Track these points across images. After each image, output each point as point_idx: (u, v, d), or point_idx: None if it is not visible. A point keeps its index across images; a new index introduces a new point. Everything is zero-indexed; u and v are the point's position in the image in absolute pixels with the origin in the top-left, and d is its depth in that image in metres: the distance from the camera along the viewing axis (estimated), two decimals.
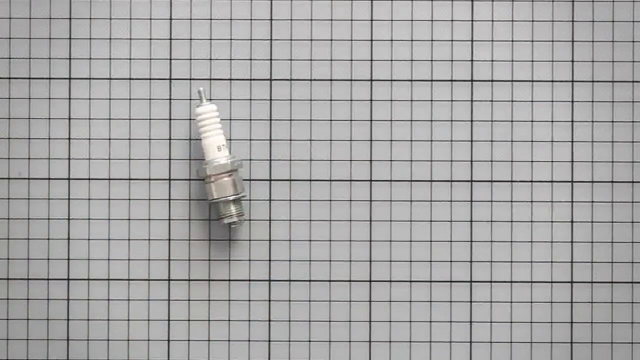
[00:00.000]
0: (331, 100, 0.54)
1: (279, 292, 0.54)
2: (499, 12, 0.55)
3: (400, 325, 0.54)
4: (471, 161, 0.54)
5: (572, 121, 0.54)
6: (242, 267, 0.54)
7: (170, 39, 0.54)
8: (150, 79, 0.54)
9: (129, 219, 0.54)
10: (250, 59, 0.54)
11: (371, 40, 0.54)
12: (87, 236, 0.54)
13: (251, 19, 0.55)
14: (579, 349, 0.54)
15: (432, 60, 0.54)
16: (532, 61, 0.54)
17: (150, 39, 0.54)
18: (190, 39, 0.54)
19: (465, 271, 0.54)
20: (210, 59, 0.54)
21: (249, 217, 0.54)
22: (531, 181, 0.54)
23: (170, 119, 0.54)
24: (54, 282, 0.54)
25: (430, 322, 0.54)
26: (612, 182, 0.54)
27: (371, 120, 0.54)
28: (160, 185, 0.54)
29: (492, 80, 0.54)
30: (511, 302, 0.54)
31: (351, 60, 0.54)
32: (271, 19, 0.55)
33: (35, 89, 0.54)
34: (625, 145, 0.54)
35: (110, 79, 0.54)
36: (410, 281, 0.54)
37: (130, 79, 0.54)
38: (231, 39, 0.55)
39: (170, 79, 0.54)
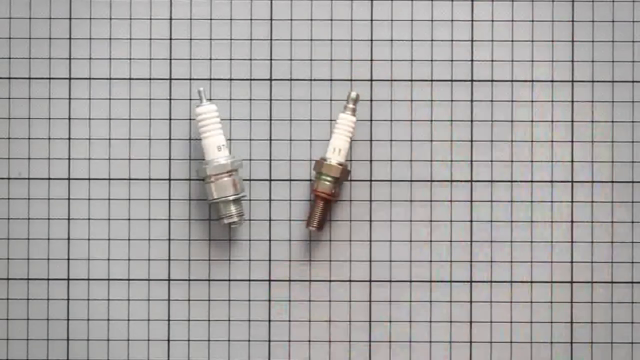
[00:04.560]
0: (331, 100, 0.54)
1: (279, 292, 0.54)
2: (499, 12, 0.55)
3: (400, 325, 0.54)
4: (471, 161, 0.54)
5: (572, 121, 0.54)
6: (242, 267, 0.54)
7: (170, 39, 0.54)
8: (150, 79, 0.54)
9: (129, 219, 0.54)
10: (250, 59, 0.54)
11: (371, 40, 0.54)
12: (87, 236, 0.54)
13: (251, 19, 0.55)
14: (579, 349, 0.54)
15: (432, 60, 0.54)
16: (532, 61, 0.54)
17: (150, 39, 0.54)
18: (190, 39, 0.54)
19: (465, 271, 0.54)
20: (210, 59, 0.54)
21: (249, 217, 0.54)
22: (531, 181, 0.54)
23: (170, 119, 0.54)
24: (54, 282, 0.54)
25: (430, 322, 0.54)
26: (612, 182, 0.54)
27: (371, 120, 0.54)
28: (160, 185, 0.54)
29: (492, 80, 0.54)
30: (511, 302, 0.54)
31: (351, 60, 0.54)
32: (271, 19, 0.55)
33: (35, 89, 0.54)
34: (625, 145, 0.54)
35: (110, 79, 0.54)
36: (410, 281, 0.54)
37: (130, 79, 0.54)
38: (231, 39, 0.55)
39: (170, 79, 0.54)
